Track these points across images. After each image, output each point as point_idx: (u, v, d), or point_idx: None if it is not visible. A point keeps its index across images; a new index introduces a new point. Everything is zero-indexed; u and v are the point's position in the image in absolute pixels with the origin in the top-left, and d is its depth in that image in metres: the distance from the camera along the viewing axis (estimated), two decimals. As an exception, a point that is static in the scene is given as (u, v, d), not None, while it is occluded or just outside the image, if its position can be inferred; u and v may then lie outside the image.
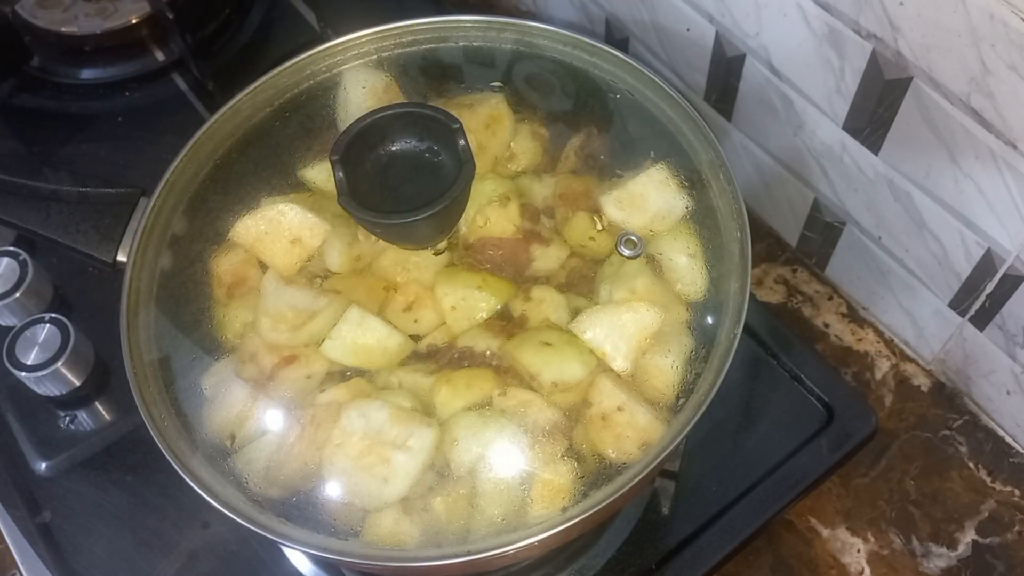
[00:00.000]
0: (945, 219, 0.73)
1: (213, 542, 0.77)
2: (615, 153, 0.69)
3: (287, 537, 0.57)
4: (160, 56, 1.03)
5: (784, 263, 0.93)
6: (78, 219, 0.66)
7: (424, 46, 0.72)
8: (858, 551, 0.79)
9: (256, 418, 0.60)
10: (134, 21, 1.01)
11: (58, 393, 0.82)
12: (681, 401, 0.59)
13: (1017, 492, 0.80)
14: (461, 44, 0.72)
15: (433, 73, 0.71)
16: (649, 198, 0.64)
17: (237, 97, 0.68)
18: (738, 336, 0.59)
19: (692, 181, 0.65)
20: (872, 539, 0.79)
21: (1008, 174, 0.66)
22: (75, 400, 0.83)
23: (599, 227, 0.64)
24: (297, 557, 0.77)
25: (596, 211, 0.64)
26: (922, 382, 0.86)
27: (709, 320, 0.62)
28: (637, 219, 0.64)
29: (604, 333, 0.59)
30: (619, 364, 0.59)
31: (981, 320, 0.77)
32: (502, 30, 0.71)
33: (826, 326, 0.90)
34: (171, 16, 0.97)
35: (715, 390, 0.58)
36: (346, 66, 0.71)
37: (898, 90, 0.69)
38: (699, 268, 0.63)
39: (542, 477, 0.57)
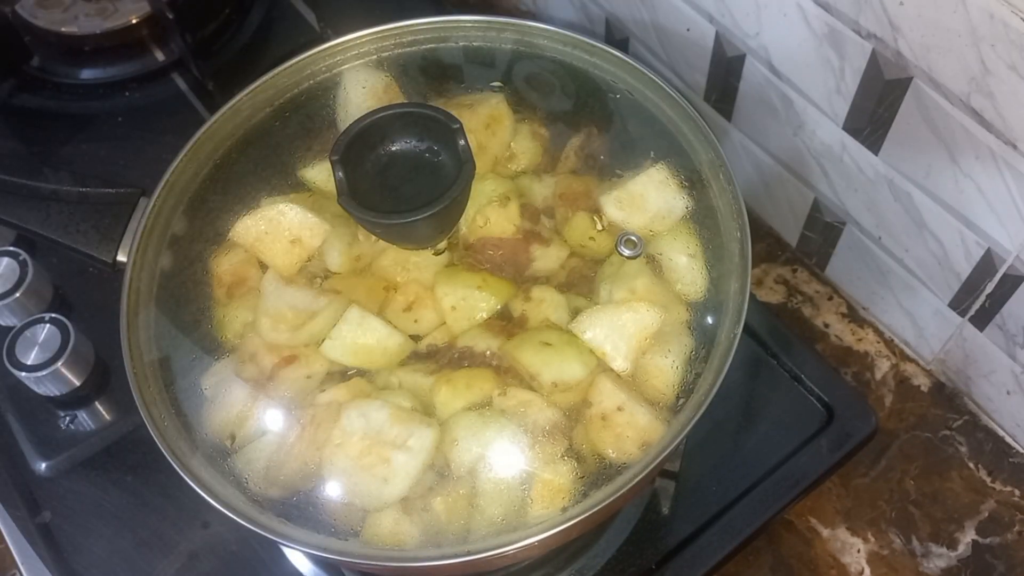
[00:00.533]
0: (945, 219, 0.73)
1: (213, 542, 0.77)
2: (615, 153, 0.69)
3: (287, 537, 0.57)
4: (160, 56, 1.03)
5: (784, 263, 0.93)
6: (78, 219, 0.66)
7: (424, 46, 0.72)
8: (858, 551, 0.79)
9: (256, 418, 0.60)
10: (134, 21, 1.01)
11: (58, 393, 0.82)
12: (681, 401, 0.59)
13: (1017, 492, 0.80)
14: (461, 44, 0.72)
15: (433, 73, 0.71)
16: (649, 198, 0.64)
17: (237, 97, 0.68)
18: (738, 336, 0.59)
19: (692, 181, 0.65)
20: (872, 539, 0.79)
21: (1008, 174, 0.66)
22: (75, 400, 0.83)
23: (599, 227, 0.64)
24: (297, 557, 0.77)
25: (596, 211, 0.64)
26: (922, 382, 0.86)
27: (709, 320, 0.62)
28: (637, 219, 0.64)
29: (604, 333, 0.59)
30: (619, 364, 0.59)
31: (981, 320, 0.77)
32: (502, 30, 0.71)
33: (826, 326, 0.90)
34: (171, 16, 0.97)
35: (715, 390, 0.58)
36: (346, 66, 0.71)
37: (898, 90, 0.69)
38: (699, 268, 0.63)
39: (542, 477, 0.57)
